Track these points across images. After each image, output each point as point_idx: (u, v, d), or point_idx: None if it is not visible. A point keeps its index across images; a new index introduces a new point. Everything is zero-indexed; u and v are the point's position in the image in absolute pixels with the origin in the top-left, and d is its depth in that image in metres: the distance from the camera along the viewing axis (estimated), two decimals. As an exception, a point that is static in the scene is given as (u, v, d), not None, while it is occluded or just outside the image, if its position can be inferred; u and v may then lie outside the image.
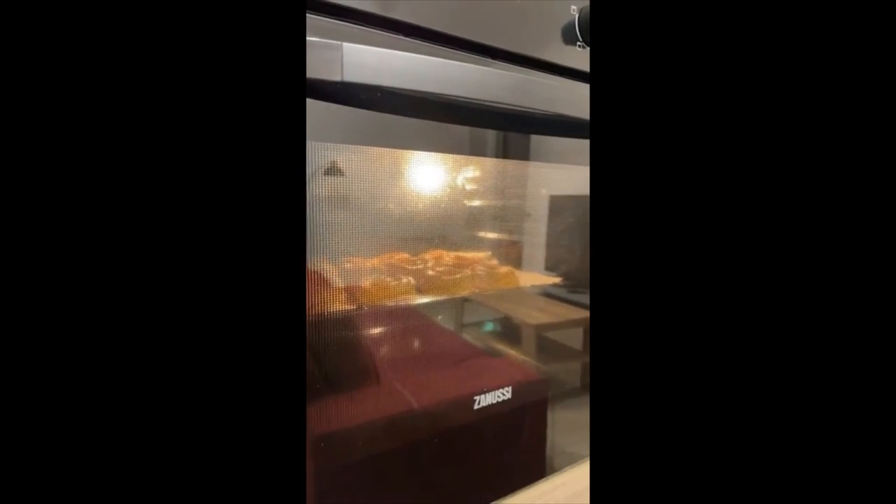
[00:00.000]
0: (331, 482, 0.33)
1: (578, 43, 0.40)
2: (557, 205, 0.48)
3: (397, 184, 0.36)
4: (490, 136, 0.39)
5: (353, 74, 0.26)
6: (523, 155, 0.41)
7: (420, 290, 0.43)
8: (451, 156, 0.37)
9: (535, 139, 0.41)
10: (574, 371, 0.53)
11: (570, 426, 0.49)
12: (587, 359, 0.55)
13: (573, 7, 0.40)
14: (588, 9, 0.40)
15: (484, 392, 0.39)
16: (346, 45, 0.26)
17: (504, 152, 0.40)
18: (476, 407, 0.39)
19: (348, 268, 0.36)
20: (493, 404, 0.40)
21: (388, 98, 0.30)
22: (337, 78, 0.26)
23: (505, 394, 0.40)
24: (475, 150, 0.39)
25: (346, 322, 0.35)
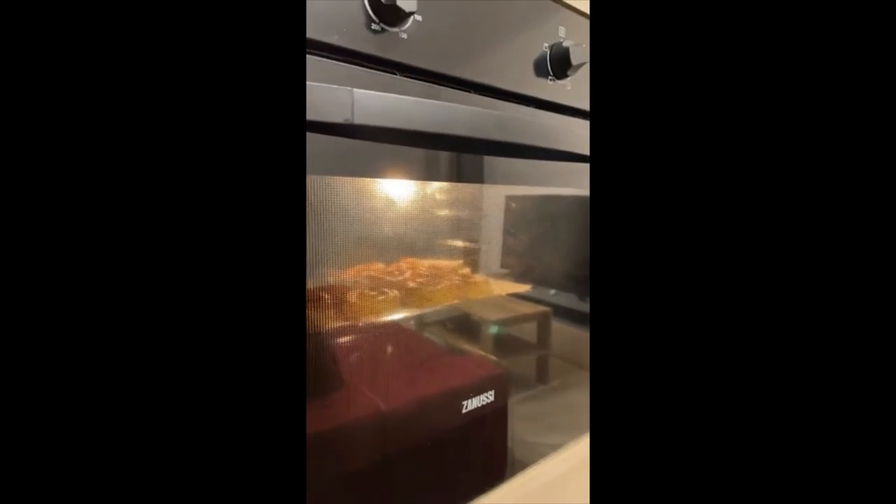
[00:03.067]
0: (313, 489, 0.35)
1: (549, 77, 0.44)
2: (514, 202, 0.51)
3: (375, 206, 0.38)
4: (466, 161, 0.42)
5: (363, 117, 0.28)
6: (495, 179, 0.45)
7: (402, 304, 0.46)
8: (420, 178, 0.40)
9: (504, 164, 0.45)
10: (531, 363, 0.57)
11: (530, 417, 0.54)
12: (542, 352, 0.59)
13: (545, 44, 0.44)
14: (559, 45, 0.44)
15: (471, 396, 0.43)
16: (356, 90, 0.28)
17: (482, 178, 0.44)
18: (464, 411, 0.42)
19: (331, 283, 0.37)
20: (478, 407, 0.43)
21: (389, 133, 0.32)
22: (348, 120, 0.28)
23: (489, 397, 0.44)
24: (452, 176, 0.42)
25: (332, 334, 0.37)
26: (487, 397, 0.44)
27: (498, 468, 0.48)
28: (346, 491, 0.36)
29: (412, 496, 0.40)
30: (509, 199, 0.50)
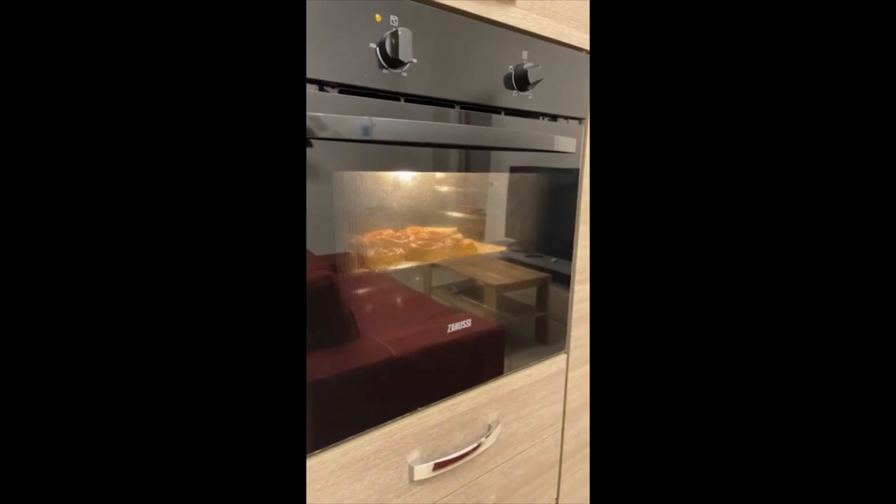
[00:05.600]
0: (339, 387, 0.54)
1: (514, 91, 0.60)
2: (517, 176, 0.66)
3: (387, 188, 0.55)
4: (458, 156, 0.58)
5: (378, 135, 0.45)
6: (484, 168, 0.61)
7: (406, 259, 0.63)
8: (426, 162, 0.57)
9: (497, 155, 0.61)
10: (528, 323, 0.74)
11: (520, 362, 0.72)
12: (539, 314, 0.75)
13: (510, 66, 0.59)
14: (520, 66, 0.59)
15: (453, 322, 0.61)
16: (374, 118, 0.44)
17: (468, 168, 0.60)
18: (448, 332, 0.61)
19: (354, 242, 0.55)
20: (458, 330, 0.62)
21: (397, 143, 0.49)
22: (369, 137, 0.45)
23: (467, 324, 0.63)
24: (451, 167, 0.58)
25: (360, 281, 0.55)
26: (466, 324, 0.62)
27: (475, 376, 0.66)
28: (360, 389, 0.54)
29: (410, 390, 0.59)
30: (513, 171, 0.64)
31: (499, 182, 0.66)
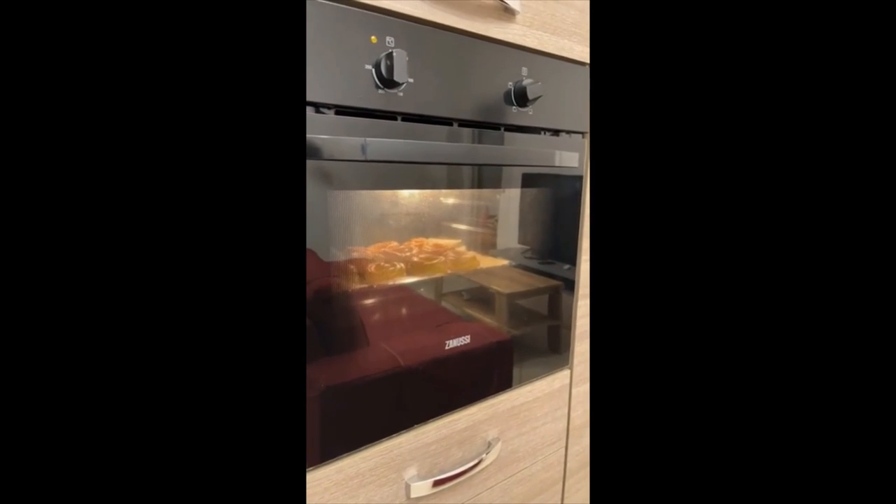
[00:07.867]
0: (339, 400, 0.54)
1: (514, 107, 0.60)
2: (524, 190, 0.66)
3: (391, 201, 0.55)
4: (465, 171, 0.58)
5: (372, 155, 0.45)
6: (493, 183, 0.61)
7: (408, 272, 0.63)
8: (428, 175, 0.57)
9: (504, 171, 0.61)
10: (536, 334, 0.73)
11: (528, 373, 0.71)
12: (552, 322, 0.74)
13: (509, 83, 0.59)
14: (519, 83, 0.59)
15: (451, 338, 0.61)
16: (368, 139, 0.45)
17: (473, 184, 0.60)
18: (446, 348, 0.60)
19: (354, 256, 0.55)
20: (457, 346, 0.61)
21: (392, 162, 0.49)
22: (363, 158, 0.45)
23: (466, 340, 0.62)
24: (453, 184, 0.58)
25: (354, 295, 0.55)
26: (464, 340, 0.62)
27: (474, 392, 0.66)
28: (355, 406, 0.55)
29: (407, 406, 0.58)
30: (520, 185, 0.64)
31: (507, 195, 0.66)
